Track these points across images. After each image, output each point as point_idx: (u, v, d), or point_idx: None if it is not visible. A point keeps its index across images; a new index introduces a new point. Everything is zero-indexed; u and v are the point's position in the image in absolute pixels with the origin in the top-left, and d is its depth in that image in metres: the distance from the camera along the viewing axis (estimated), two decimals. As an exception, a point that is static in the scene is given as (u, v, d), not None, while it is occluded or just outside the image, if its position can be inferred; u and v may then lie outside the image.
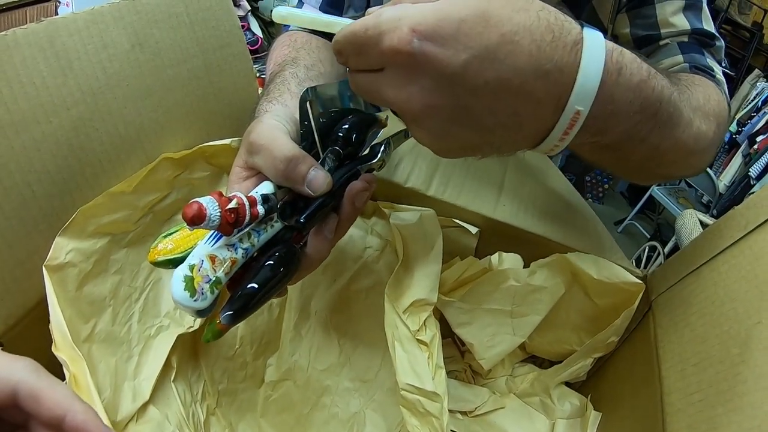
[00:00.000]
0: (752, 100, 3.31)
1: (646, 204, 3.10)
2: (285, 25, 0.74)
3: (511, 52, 0.25)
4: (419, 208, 0.49)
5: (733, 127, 3.35)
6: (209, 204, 0.29)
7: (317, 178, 0.34)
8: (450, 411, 0.56)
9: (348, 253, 0.54)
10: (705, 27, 0.57)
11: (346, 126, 0.40)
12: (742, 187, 2.92)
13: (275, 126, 0.38)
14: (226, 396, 0.57)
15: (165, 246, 0.34)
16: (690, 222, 2.05)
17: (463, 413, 0.56)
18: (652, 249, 2.42)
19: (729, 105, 0.48)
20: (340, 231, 0.39)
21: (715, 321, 0.40)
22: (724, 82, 0.54)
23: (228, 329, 0.32)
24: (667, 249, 2.29)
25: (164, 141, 0.50)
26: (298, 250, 0.36)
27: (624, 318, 0.49)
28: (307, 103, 0.38)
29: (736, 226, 0.43)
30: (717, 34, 0.58)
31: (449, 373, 0.59)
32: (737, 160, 3.19)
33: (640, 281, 0.49)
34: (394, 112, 0.32)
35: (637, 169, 0.39)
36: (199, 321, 0.52)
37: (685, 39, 0.57)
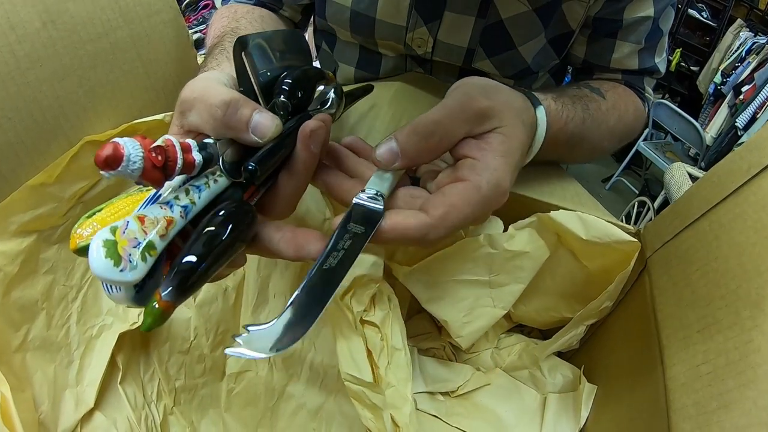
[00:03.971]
0: (736, 50, 3.27)
1: (633, 160, 3.07)
2: None
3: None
4: None
5: (718, 78, 3.31)
6: (128, 144, 0.22)
7: (263, 121, 0.29)
8: (430, 393, 0.51)
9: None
10: (656, 63, 0.62)
11: (293, 77, 0.34)
12: (729, 138, 2.90)
13: (210, 78, 0.33)
14: (185, 392, 0.52)
15: (88, 229, 0.26)
16: (678, 175, 2.02)
17: (445, 394, 0.51)
18: (642, 204, 2.39)
19: (648, 111, 0.61)
20: (299, 184, 0.32)
21: (719, 279, 0.35)
22: (652, 100, 0.64)
23: (172, 309, 0.24)
24: (656, 204, 2.26)
25: (90, 123, 0.46)
26: (252, 207, 0.30)
27: (618, 282, 0.44)
28: (242, 54, 0.33)
29: (737, 170, 0.37)
30: (660, 69, 0.63)
31: (426, 351, 0.54)
32: (723, 111, 3.17)
33: (635, 239, 0.43)
34: None
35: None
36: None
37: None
